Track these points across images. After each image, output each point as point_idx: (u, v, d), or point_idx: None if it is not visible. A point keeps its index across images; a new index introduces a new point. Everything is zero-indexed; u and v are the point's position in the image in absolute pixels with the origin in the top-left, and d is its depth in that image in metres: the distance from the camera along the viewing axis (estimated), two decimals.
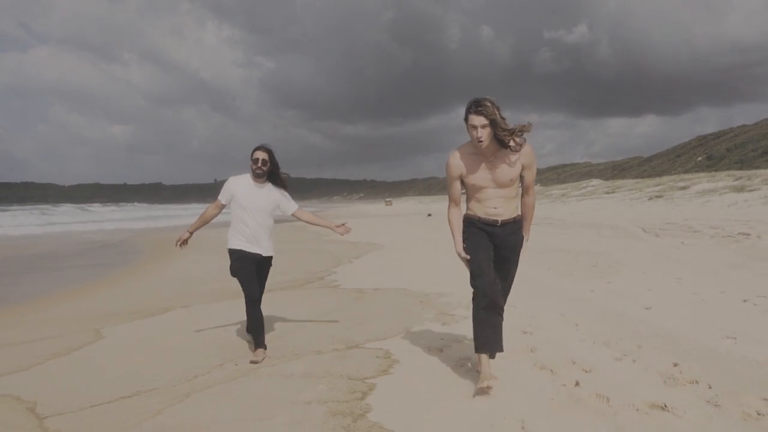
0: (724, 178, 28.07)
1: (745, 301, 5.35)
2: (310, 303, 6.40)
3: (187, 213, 45.22)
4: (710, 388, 3.13)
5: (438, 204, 60.67)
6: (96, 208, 69.19)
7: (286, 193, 4.47)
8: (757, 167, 45.03)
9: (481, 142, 3.17)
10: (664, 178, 39.45)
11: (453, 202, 3.48)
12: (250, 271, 4.28)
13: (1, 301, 7.43)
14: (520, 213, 3.48)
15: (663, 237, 11.76)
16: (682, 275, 6.94)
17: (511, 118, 3.20)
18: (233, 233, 4.31)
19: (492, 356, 3.38)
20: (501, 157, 3.27)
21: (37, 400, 3.43)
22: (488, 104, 3.13)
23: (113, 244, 17.81)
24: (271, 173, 4.37)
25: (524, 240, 3.51)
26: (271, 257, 4.46)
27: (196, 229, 4.44)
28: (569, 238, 12.70)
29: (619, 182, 45.51)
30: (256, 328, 4.26)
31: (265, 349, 4.22)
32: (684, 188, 28.53)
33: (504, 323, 3.44)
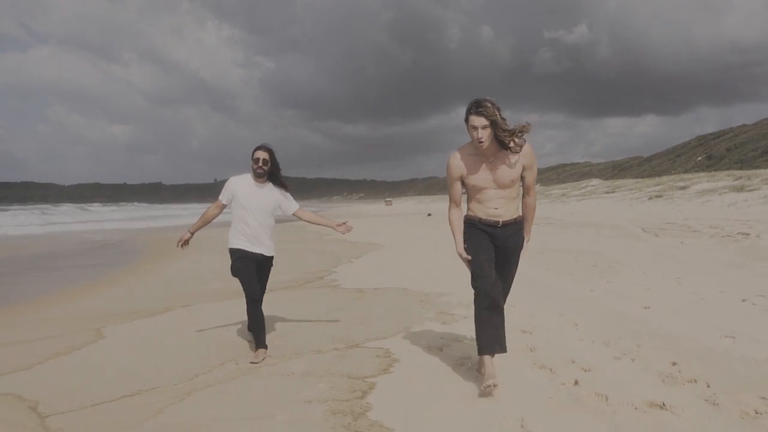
0: (723, 178, 28.08)
1: (744, 300, 5.37)
2: (311, 302, 6.41)
3: (187, 213, 45.23)
4: (709, 386, 3.15)
5: (438, 204, 60.68)
6: (96, 207, 69.23)
7: (287, 193, 4.47)
8: (757, 167, 45.05)
9: (481, 142, 3.18)
10: (664, 178, 39.46)
11: (454, 202, 3.48)
12: (251, 271, 4.28)
13: (1, 300, 7.45)
14: (521, 214, 3.48)
15: (663, 237, 11.78)
16: (681, 275, 6.96)
17: (511, 118, 3.21)
18: (234, 233, 4.32)
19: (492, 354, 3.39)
20: (502, 157, 3.28)
21: (39, 399, 3.44)
22: (489, 105, 3.13)
23: (113, 244, 17.83)
24: (271, 173, 4.38)
25: (525, 241, 3.51)
26: (272, 257, 4.46)
27: (197, 229, 4.43)
28: (569, 238, 12.71)
29: (619, 182, 45.53)
30: (256, 328, 4.26)
31: (266, 349, 4.23)
32: (684, 188, 28.54)
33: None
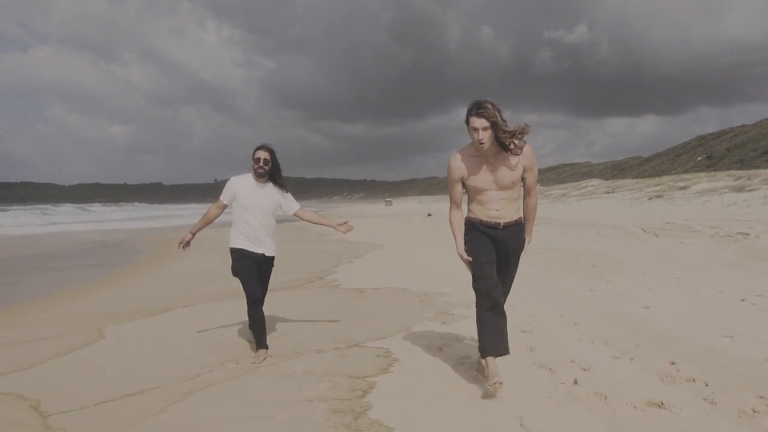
0: (723, 178, 28.11)
1: (743, 300, 5.39)
2: (311, 302, 6.43)
3: (187, 213, 45.25)
4: (707, 386, 3.16)
5: (438, 204, 60.70)
6: (96, 208, 69.26)
7: (288, 193, 4.47)
8: (757, 167, 45.07)
9: (482, 144, 3.18)
10: (664, 178, 39.49)
11: (454, 204, 3.48)
12: (252, 270, 4.28)
13: (2, 300, 7.46)
14: (521, 215, 3.48)
15: (662, 237, 11.80)
16: (681, 275, 6.97)
17: (511, 118, 3.22)
18: (235, 233, 4.31)
19: None
20: (502, 159, 3.28)
21: (41, 398, 3.46)
22: (489, 106, 3.13)
23: (113, 244, 17.84)
24: (272, 173, 4.38)
25: (526, 242, 3.51)
26: (273, 257, 4.45)
27: (199, 230, 4.42)
28: (569, 238, 12.73)
29: (618, 182, 45.55)
30: (257, 329, 4.27)
31: (267, 349, 4.24)
32: (684, 188, 28.57)
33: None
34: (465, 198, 3.50)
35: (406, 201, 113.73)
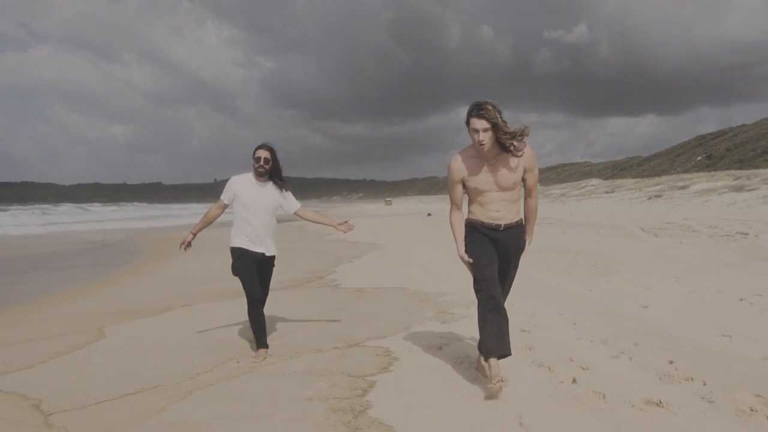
0: (723, 178, 28.16)
1: (741, 299, 5.40)
2: (311, 302, 6.44)
3: (187, 213, 45.27)
4: (705, 384, 3.18)
5: (438, 204, 60.72)
6: (96, 207, 69.26)
7: (288, 192, 4.46)
8: (757, 167, 45.10)
9: (483, 145, 3.18)
10: (664, 178, 39.52)
11: (455, 205, 3.48)
12: (252, 270, 4.28)
13: (3, 300, 7.48)
14: (522, 217, 3.48)
15: (662, 236, 11.81)
16: (680, 274, 6.99)
17: (511, 117, 3.23)
18: (236, 232, 4.31)
19: None
20: (503, 160, 3.28)
21: (42, 397, 3.47)
22: (490, 108, 3.13)
23: (114, 243, 17.86)
24: (272, 172, 4.37)
25: (527, 243, 3.50)
26: (273, 257, 4.44)
27: (200, 230, 4.40)
28: (568, 238, 12.75)
29: (618, 182, 45.59)
30: (257, 328, 4.27)
31: (267, 348, 4.25)
32: (683, 188, 28.61)
33: None
34: (465, 199, 3.51)
35: (406, 201, 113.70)
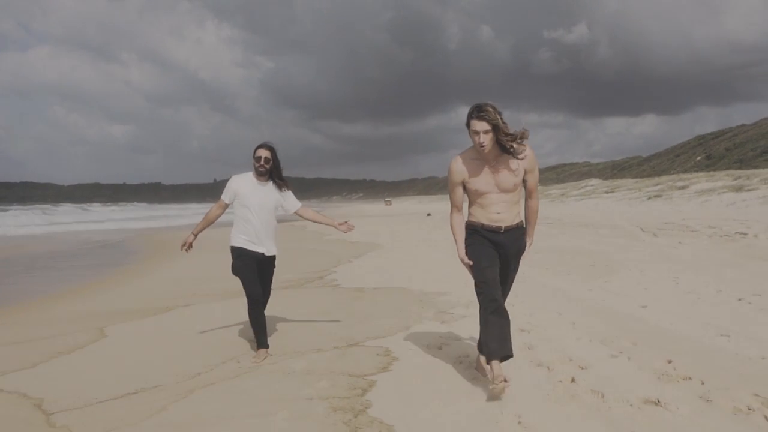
0: (722, 178, 28.18)
1: (740, 299, 5.42)
2: (311, 302, 6.46)
3: (187, 213, 45.30)
4: (703, 384, 3.20)
5: (437, 204, 60.75)
6: (96, 207, 69.26)
7: (289, 191, 4.45)
8: (756, 167, 45.13)
9: (483, 147, 3.19)
10: (663, 178, 39.55)
11: (455, 207, 3.47)
12: (252, 270, 4.27)
13: (4, 300, 7.50)
14: (522, 218, 3.48)
15: (661, 236, 11.83)
16: (679, 274, 7.01)
17: (511, 117, 3.23)
18: (236, 232, 4.30)
19: None
20: (503, 161, 3.28)
21: (44, 396, 3.49)
22: (490, 109, 3.14)
23: (114, 243, 17.88)
24: (272, 171, 4.36)
25: (528, 245, 3.50)
26: (273, 257, 4.43)
27: (201, 230, 4.39)
28: (568, 238, 12.77)
29: (618, 182, 45.63)
30: (258, 329, 4.27)
31: (267, 348, 4.26)
32: (683, 188, 28.64)
33: None
34: (465, 200, 3.51)
35: (406, 201, 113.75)
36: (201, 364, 4.06)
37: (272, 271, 4.51)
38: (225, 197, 4.36)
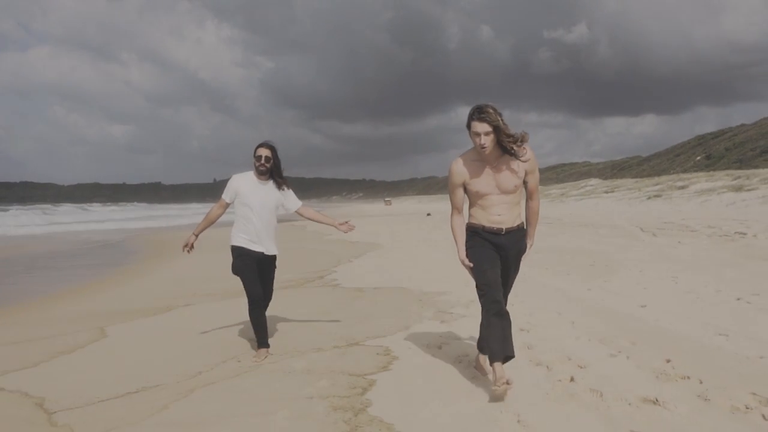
0: (722, 178, 28.20)
1: (738, 299, 5.44)
2: (311, 301, 6.48)
3: (187, 213, 45.31)
4: (701, 383, 3.21)
5: (437, 204, 60.74)
6: (96, 207, 69.27)
7: (289, 190, 4.45)
8: (756, 167, 45.15)
9: (484, 148, 3.18)
10: (663, 178, 39.57)
11: (456, 209, 3.47)
12: (252, 269, 4.27)
13: (5, 300, 7.52)
14: (523, 220, 3.47)
15: (660, 236, 11.85)
16: (678, 274, 7.02)
17: (511, 117, 3.24)
18: (236, 231, 4.30)
19: None
20: (504, 163, 3.28)
21: (45, 395, 3.51)
22: (491, 111, 3.14)
23: (114, 243, 17.90)
24: (273, 170, 4.36)
25: (528, 246, 3.50)
26: (274, 256, 4.43)
27: (202, 230, 4.39)
28: (567, 238, 12.78)
29: (618, 182, 45.64)
30: (258, 328, 4.27)
31: (268, 348, 4.27)
32: (683, 188, 28.65)
33: None
34: (465, 201, 3.50)
35: (406, 201, 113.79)
36: (201, 363, 4.08)
37: (273, 271, 4.50)
38: (226, 196, 4.35)
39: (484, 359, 3.59)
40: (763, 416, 2.76)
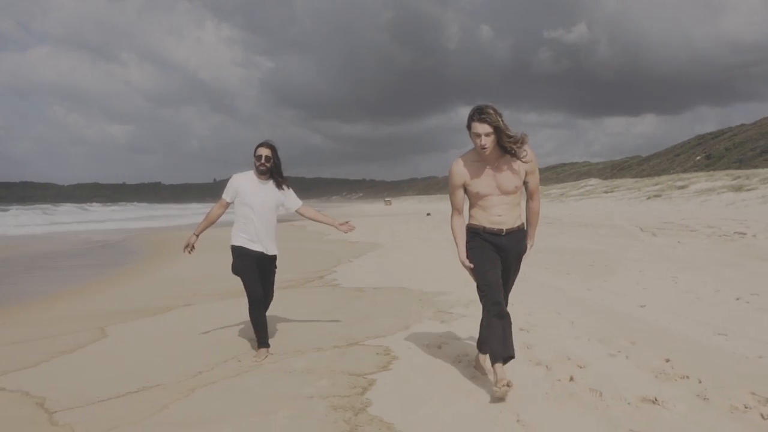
0: (722, 178, 28.20)
1: (738, 299, 5.45)
2: (311, 301, 6.49)
3: (187, 213, 45.33)
4: (700, 382, 3.22)
5: (437, 203, 60.74)
6: (96, 207, 69.27)
7: (290, 190, 4.45)
8: (756, 166, 45.17)
9: (485, 149, 3.19)
10: (663, 178, 39.57)
11: (456, 210, 3.47)
12: (252, 269, 4.26)
13: (5, 299, 7.52)
14: (523, 221, 3.47)
15: (660, 236, 11.86)
16: (677, 274, 7.04)
17: (511, 117, 3.25)
18: (236, 230, 4.30)
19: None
20: (504, 163, 3.29)
21: (46, 395, 3.52)
22: (491, 112, 3.14)
23: (114, 243, 17.90)
24: (273, 170, 4.36)
25: (529, 246, 3.50)
26: (274, 256, 4.43)
27: (203, 230, 4.39)
28: (567, 238, 12.79)
29: (617, 182, 45.64)
30: (258, 327, 4.28)
31: (268, 347, 4.28)
32: (682, 188, 28.65)
33: None
34: (465, 201, 3.50)
35: (406, 200, 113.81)
36: (202, 363, 4.08)
37: (274, 272, 4.50)
38: (226, 196, 4.35)
39: (484, 359, 3.61)
40: (762, 415, 2.77)
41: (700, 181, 29.18)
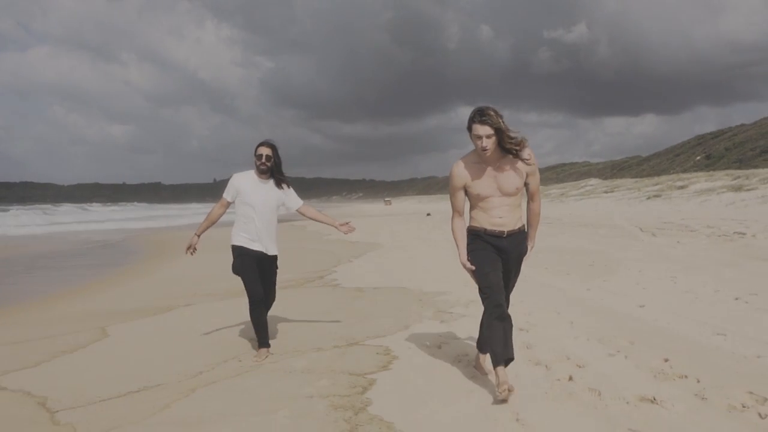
0: (722, 178, 28.21)
1: (737, 299, 5.46)
2: (311, 301, 6.50)
3: (187, 213, 45.34)
4: (699, 382, 3.24)
5: (437, 204, 60.75)
6: (96, 207, 69.28)
7: (290, 189, 4.44)
8: (756, 166, 45.18)
9: (485, 151, 3.19)
10: (663, 178, 39.58)
11: (456, 212, 3.47)
12: (252, 269, 4.26)
13: (6, 299, 7.54)
14: (524, 222, 3.48)
15: (660, 236, 11.87)
16: (677, 274, 7.05)
17: (511, 117, 3.26)
18: (237, 230, 4.30)
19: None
20: (505, 165, 3.29)
21: (48, 395, 3.53)
22: (492, 113, 3.15)
23: (114, 243, 17.92)
24: (273, 169, 4.35)
25: (529, 248, 3.51)
26: (275, 256, 4.42)
27: (204, 231, 4.39)
28: (567, 238, 12.80)
29: (617, 182, 45.65)
30: (259, 327, 4.28)
31: (268, 347, 4.29)
32: (682, 188, 28.66)
33: None
34: (466, 202, 3.51)
35: (406, 201, 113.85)
36: (203, 363, 4.10)
37: (275, 272, 4.49)
38: (227, 195, 4.34)
39: (484, 358, 3.62)
40: (760, 415, 2.79)
41: (700, 181, 29.19)
